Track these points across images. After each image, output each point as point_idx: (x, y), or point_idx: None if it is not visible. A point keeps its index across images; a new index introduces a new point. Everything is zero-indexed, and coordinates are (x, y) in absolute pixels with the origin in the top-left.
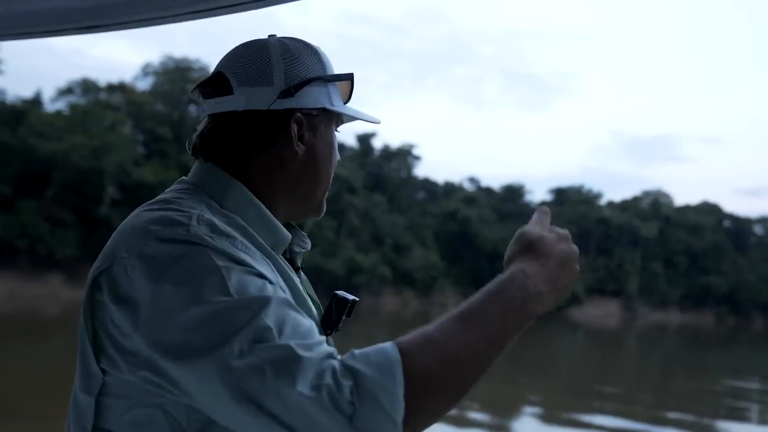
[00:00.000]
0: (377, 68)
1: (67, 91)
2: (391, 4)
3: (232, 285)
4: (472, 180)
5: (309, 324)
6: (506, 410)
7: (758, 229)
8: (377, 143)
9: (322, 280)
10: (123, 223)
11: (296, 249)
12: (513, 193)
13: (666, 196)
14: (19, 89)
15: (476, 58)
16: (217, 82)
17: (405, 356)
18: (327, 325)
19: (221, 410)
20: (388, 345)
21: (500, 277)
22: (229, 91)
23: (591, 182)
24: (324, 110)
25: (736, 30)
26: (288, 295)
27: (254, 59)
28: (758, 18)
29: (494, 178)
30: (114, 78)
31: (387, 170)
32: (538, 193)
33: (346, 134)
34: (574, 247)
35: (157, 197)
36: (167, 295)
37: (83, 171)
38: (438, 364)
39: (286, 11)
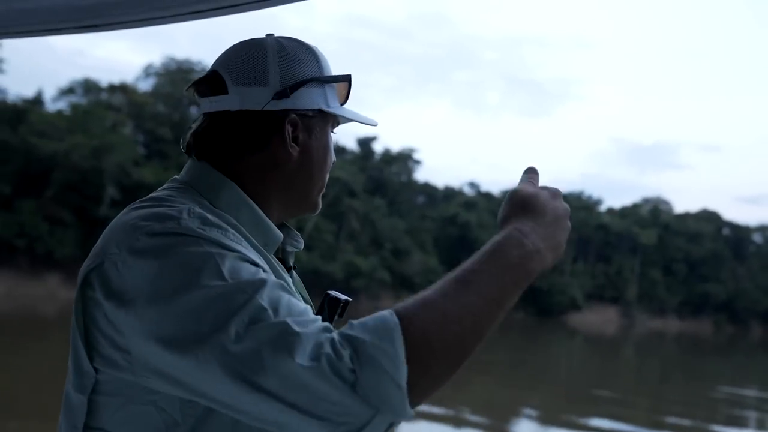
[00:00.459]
0: (380, 72)
1: (68, 91)
2: (394, 8)
3: (225, 270)
4: (472, 185)
5: (303, 306)
6: (504, 414)
7: (757, 237)
8: (378, 147)
9: (320, 283)
10: (113, 221)
11: (289, 248)
12: None
13: (665, 203)
14: (20, 89)
15: (478, 63)
16: (212, 81)
17: (403, 320)
18: None
19: (223, 397)
20: (385, 311)
21: (496, 237)
22: (224, 90)
23: (591, 189)
24: (320, 111)
25: (736, 38)
26: (282, 281)
27: (250, 58)
28: (758, 26)
29: (494, 183)
30: (116, 79)
31: (387, 174)
32: None
33: (346, 138)
34: (565, 204)
35: (149, 195)
36: (160, 285)
37: (83, 171)
38: (438, 325)
39: (289, 14)
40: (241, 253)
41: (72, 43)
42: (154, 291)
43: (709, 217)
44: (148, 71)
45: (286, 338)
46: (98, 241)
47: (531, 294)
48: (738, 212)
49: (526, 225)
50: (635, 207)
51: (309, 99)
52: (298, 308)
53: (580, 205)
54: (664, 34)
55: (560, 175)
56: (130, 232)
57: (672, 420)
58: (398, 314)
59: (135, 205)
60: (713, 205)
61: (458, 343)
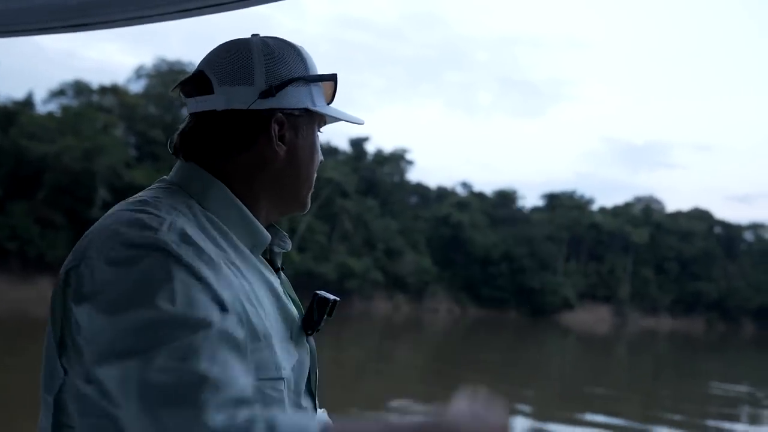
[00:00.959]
0: (372, 73)
1: (59, 92)
2: (387, 8)
3: (179, 298)
4: (465, 185)
5: (240, 368)
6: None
7: (749, 236)
8: (370, 147)
9: (313, 285)
10: (99, 220)
11: (276, 249)
12: (505, 198)
13: (657, 202)
14: (11, 90)
15: (470, 63)
16: (198, 81)
17: None
18: (308, 325)
19: (129, 418)
20: (314, 426)
21: (431, 419)
22: (209, 90)
23: (583, 188)
24: (306, 111)
25: (729, 38)
26: (238, 328)
27: (235, 58)
28: (750, 27)
29: (487, 184)
30: (107, 80)
31: (380, 175)
32: (530, 199)
33: (338, 138)
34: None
35: (138, 195)
36: (118, 296)
37: (74, 173)
38: None
39: (281, 15)
40: (207, 282)
41: (63, 44)
42: (112, 300)
43: (700, 216)
44: (139, 73)
45: (204, 392)
46: (82, 239)
47: (524, 293)
48: (729, 211)
49: None
50: (627, 206)
51: (295, 98)
52: (234, 370)
53: (573, 205)
54: (656, 34)
55: (552, 174)
56: (109, 239)
57: (664, 416)
58: None
59: (122, 207)
60: (705, 204)
61: None
